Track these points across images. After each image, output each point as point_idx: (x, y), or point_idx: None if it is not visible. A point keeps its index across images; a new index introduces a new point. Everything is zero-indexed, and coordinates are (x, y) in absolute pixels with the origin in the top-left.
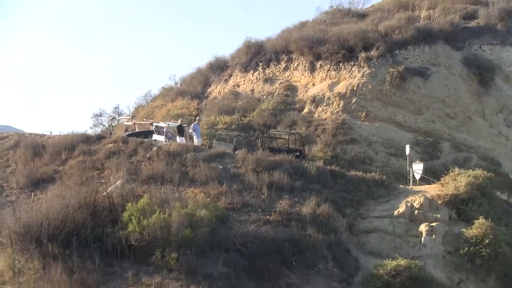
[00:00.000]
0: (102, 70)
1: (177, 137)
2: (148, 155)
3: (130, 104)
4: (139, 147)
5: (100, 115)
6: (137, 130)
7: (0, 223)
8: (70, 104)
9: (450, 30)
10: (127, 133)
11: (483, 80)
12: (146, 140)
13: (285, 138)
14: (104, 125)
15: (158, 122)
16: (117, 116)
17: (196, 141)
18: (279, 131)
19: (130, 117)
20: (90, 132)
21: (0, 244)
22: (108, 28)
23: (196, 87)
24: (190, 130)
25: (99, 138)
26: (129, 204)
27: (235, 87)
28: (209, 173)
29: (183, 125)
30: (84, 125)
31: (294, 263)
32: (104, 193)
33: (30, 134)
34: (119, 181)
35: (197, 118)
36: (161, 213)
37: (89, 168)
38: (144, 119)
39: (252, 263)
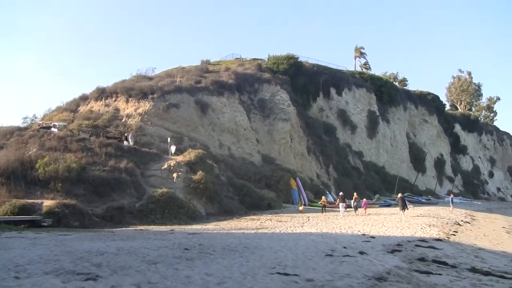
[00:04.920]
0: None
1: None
2: (49, 137)
3: (41, 112)
4: (45, 133)
5: (26, 117)
6: (44, 126)
7: None
8: (7, 109)
9: (189, 87)
10: (39, 127)
11: (203, 110)
12: (48, 130)
13: (114, 132)
14: (27, 122)
15: (54, 123)
16: (34, 119)
17: (131, 142)
18: (112, 129)
19: (41, 119)
20: (21, 125)
21: None
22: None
23: (73, 107)
24: (129, 139)
25: (26, 128)
26: (39, 160)
27: (91, 108)
28: (77, 147)
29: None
30: (17, 121)
31: (116, 189)
32: (27, 154)
33: None
34: (35, 149)
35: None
36: (54, 165)
37: (20, 143)
38: (48, 121)
39: (97, 189)
